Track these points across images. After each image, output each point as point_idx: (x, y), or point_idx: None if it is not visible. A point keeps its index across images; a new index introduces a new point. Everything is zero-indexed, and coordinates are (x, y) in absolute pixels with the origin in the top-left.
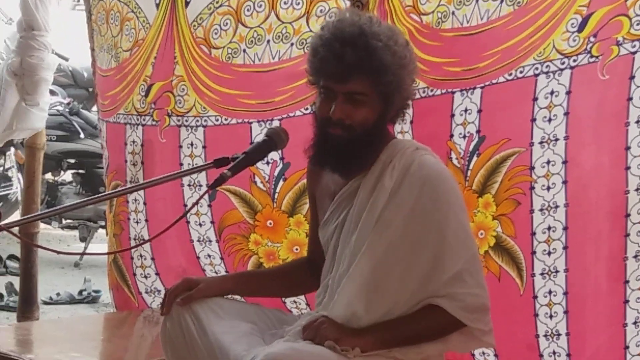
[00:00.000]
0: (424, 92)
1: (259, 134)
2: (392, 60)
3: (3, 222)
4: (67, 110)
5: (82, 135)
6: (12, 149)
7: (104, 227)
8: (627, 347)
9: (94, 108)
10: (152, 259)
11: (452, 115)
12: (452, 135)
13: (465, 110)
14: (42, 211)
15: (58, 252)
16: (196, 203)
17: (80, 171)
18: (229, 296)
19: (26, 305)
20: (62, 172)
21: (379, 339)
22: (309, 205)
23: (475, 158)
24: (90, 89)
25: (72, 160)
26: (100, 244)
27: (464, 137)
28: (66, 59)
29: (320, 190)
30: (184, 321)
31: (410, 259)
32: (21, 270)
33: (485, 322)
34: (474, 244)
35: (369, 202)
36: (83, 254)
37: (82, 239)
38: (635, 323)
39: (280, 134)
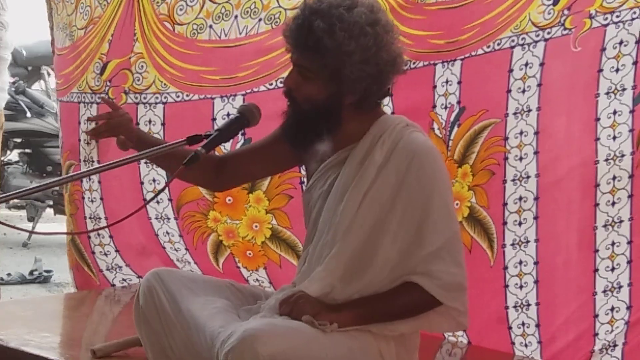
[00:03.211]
0: (405, 65)
1: (221, 109)
2: (330, 44)
3: None
4: (13, 89)
5: (28, 115)
6: None
7: (51, 206)
8: (596, 316)
9: (35, 86)
10: (110, 237)
11: (434, 87)
12: (434, 106)
13: (447, 82)
14: (5, 193)
15: (30, 232)
16: (168, 183)
17: (27, 150)
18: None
19: None
20: (8, 152)
21: (356, 315)
22: (271, 134)
23: (456, 128)
24: (30, 68)
25: (19, 140)
26: (47, 223)
27: (446, 107)
28: None
29: (309, 151)
30: (158, 299)
31: (394, 233)
32: None
33: (461, 302)
34: (456, 224)
35: (357, 174)
36: (50, 233)
37: (30, 219)
38: (604, 291)
39: (253, 109)
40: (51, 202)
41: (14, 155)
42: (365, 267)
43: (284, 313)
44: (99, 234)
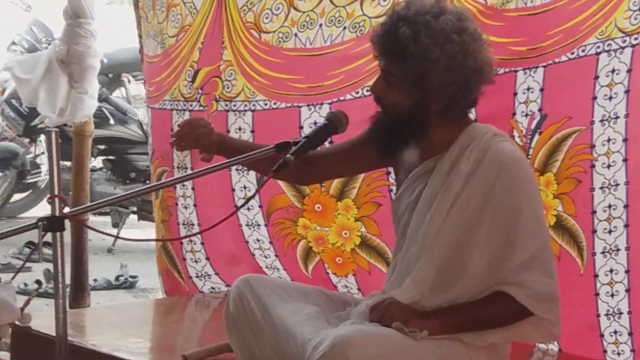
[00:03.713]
0: (494, 74)
1: (307, 117)
2: (414, 51)
3: (68, 210)
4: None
5: (111, 122)
6: (43, 136)
7: (134, 212)
8: None
9: (116, 93)
10: (202, 243)
11: (515, 94)
12: (514, 114)
13: (528, 89)
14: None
15: (124, 239)
16: (259, 189)
17: (111, 157)
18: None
19: (78, 292)
20: (92, 159)
21: (446, 323)
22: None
23: (537, 136)
24: (110, 75)
25: (103, 147)
26: (131, 229)
27: (526, 115)
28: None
29: (398, 160)
30: (248, 305)
31: (483, 245)
32: (72, 258)
33: (554, 313)
34: (547, 233)
35: (445, 184)
36: (145, 240)
37: (114, 225)
38: None
39: (341, 117)
40: (135, 209)
41: (98, 162)
42: (455, 278)
43: (374, 319)
44: (190, 240)
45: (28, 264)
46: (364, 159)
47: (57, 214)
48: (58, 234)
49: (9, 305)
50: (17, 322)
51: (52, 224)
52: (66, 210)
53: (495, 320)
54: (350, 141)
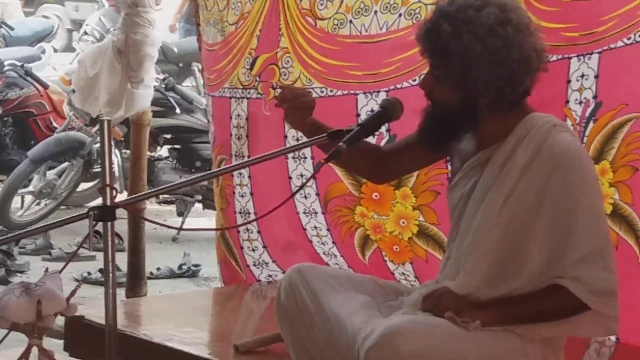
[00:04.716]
0: (545, 60)
1: (364, 105)
2: (455, 48)
3: (120, 200)
4: (163, 85)
5: (177, 111)
6: None
7: (200, 201)
8: None
9: (186, 83)
10: (259, 232)
11: (569, 81)
12: (567, 102)
13: (582, 76)
14: (155, 188)
15: (178, 229)
16: (312, 176)
17: (177, 146)
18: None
19: (134, 281)
20: (158, 148)
21: (500, 314)
22: None
23: (591, 124)
24: (181, 65)
25: (168, 136)
26: (196, 217)
27: (580, 103)
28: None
29: (454, 148)
30: (299, 295)
31: (541, 239)
32: (129, 247)
33: (612, 307)
34: (606, 228)
35: (500, 175)
36: (197, 229)
37: (180, 214)
38: None
39: (395, 104)
40: (200, 197)
41: (163, 151)
42: (512, 273)
43: (427, 308)
44: (247, 229)
45: (92, 253)
46: (429, 152)
47: (108, 203)
48: (108, 223)
49: (55, 295)
50: (62, 313)
51: (103, 213)
52: (118, 199)
53: (551, 313)
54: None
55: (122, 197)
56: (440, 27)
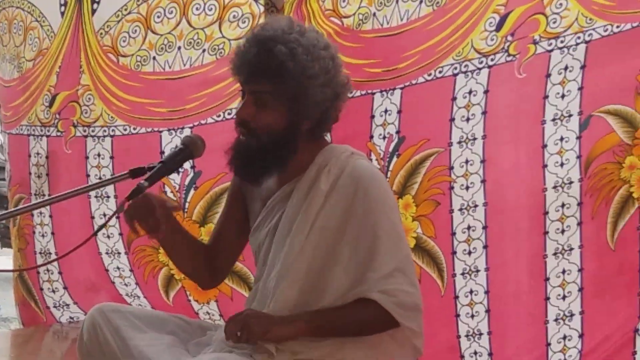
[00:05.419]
0: (351, 91)
1: (169, 142)
2: (294, 68)
3: None
4: None
5: None
6: None
7: None
8: (549, 344)
9: None
10: (60, 272)
11: (372, 117)
12: (372, 137)
13: (386, 111)
14: None
15: None
16: (112, 215)
17: None
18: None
19: None
20: None
21: (307, 327)
22: (227, 198)
23: (395, 159)
24: None
25: None
26: None
27: (384, 138)
28: None
29: (251, 191)
30: (102, 335)
31: (346, 261)
32: None
33: (417, 324)
34: (407, 245)
35: (304, 204)
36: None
37: None
38: (556, 320)
39: (197, 141)
40: None
41: None
42: (318, 297)
43: (231, 330)
44: (47, 270)
45: None
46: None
47: None
48: None
49: None
50: None
51: None
52: None
53: (358, 326)
54: (231, 202)
55: None
56: (272, 48)
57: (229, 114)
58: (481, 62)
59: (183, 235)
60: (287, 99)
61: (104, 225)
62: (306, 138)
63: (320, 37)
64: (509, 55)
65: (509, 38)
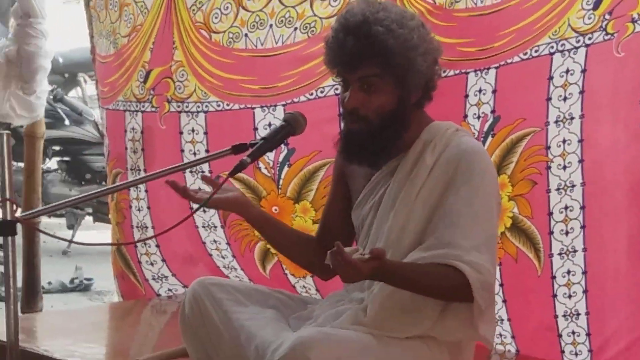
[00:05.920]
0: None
1: (262, 119)
2: (396, 44)
3: (20, 214)
4: (51, 97)
5: (67, 122)
6: None
7: (90, 214)
8: None
9: (71, 93)
10: (157, 246)
11: (466, 96)
12: (465, 116)
13: (480, 91)
14: (47, 201)
15: (77, 243)
16: (214, 192)
17: (66, 158)
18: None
19: (30, 296)
20: (47, 160)
21: (392, 269)
22: (331, 184)
23: (490, 138)
24: (66, 75)
25: (57, 148)
26: (86, 230)
27: (478, 117)
28: None
29: (353, 170)
30: (204, 308)
31: (440, 230)
32: (24, 262)
33: (485, 300)
34: (496, 226)
35: (409, 179)
36: (98, 244)
37: (70, 227)
38: None
39: (299, 118)
40: (90, 210)
41: (52, 163)
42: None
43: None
44: (145, 243)
45: None
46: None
47: (8, 217)
48: (9, 238)
49: None
50: None
51: (3, 228)
52: (18, 213)
53: (436, 287)
54: (336, 188)
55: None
56: (370, 30)
57: (320, 92)
58: (578, 41)
59: (277, 230)
60: (395, 76)
61: (206, 202)
62: (415, 109)
63: (400, 8)
64: (606, 33)
65: (607, 16)
